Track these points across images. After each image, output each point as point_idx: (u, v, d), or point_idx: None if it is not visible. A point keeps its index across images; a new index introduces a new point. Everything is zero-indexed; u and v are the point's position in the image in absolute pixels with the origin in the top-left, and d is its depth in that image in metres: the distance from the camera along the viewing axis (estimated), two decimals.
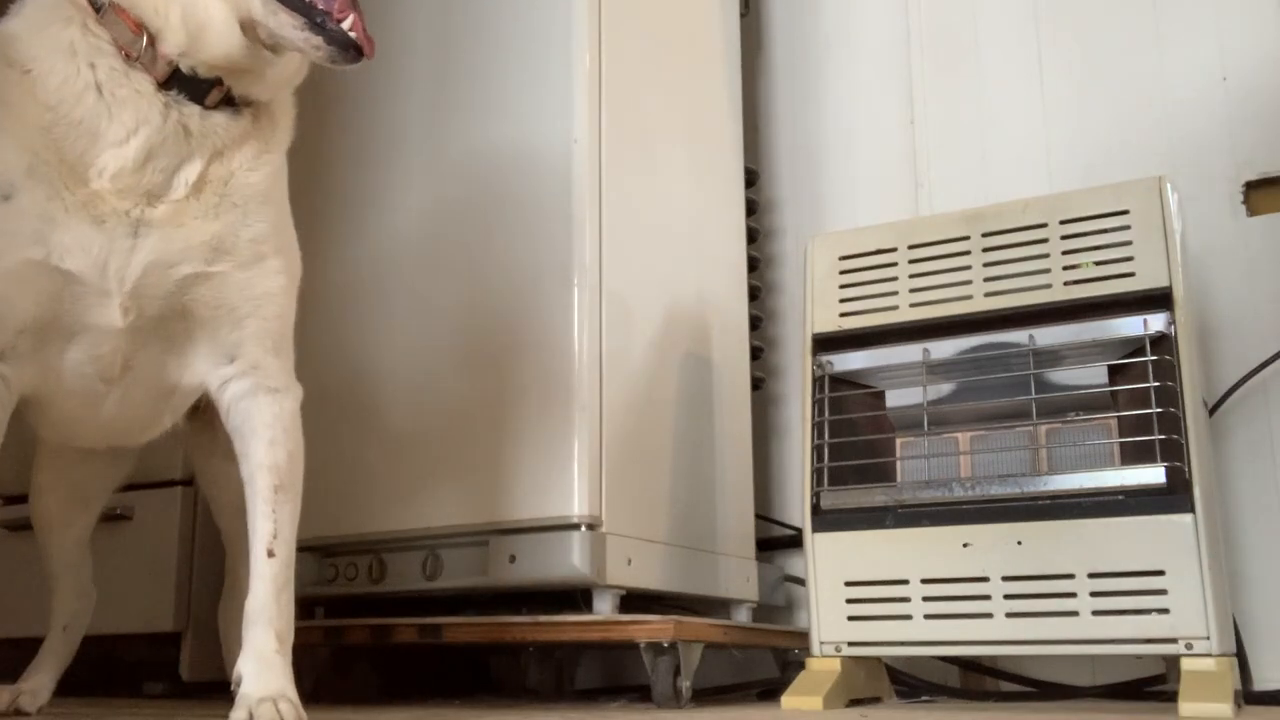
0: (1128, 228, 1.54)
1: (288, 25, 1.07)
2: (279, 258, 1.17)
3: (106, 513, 1.76)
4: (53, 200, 1.06)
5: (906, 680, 1.90)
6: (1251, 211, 1.93)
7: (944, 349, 1.63)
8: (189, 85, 1.09)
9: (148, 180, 1.08)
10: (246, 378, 1.17)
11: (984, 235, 1.63)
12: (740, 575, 1.95)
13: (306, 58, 1.13)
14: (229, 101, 1.12)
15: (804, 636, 1.68)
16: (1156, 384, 1.47)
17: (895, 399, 1.69)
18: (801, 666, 1.63)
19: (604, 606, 1.61)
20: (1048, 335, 1.57)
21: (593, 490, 1.61)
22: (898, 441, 1.69)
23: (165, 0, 1.07)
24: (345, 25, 1.07)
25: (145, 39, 1.08)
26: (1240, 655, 1.63)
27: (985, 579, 1.51)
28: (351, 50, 1.07)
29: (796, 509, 2.13)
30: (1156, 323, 1.50)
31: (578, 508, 1.60)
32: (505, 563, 1.63)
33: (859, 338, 1.69)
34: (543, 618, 1.61)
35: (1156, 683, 1.77)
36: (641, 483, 1.73)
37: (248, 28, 1.09)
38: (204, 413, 1.34)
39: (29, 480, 1.46)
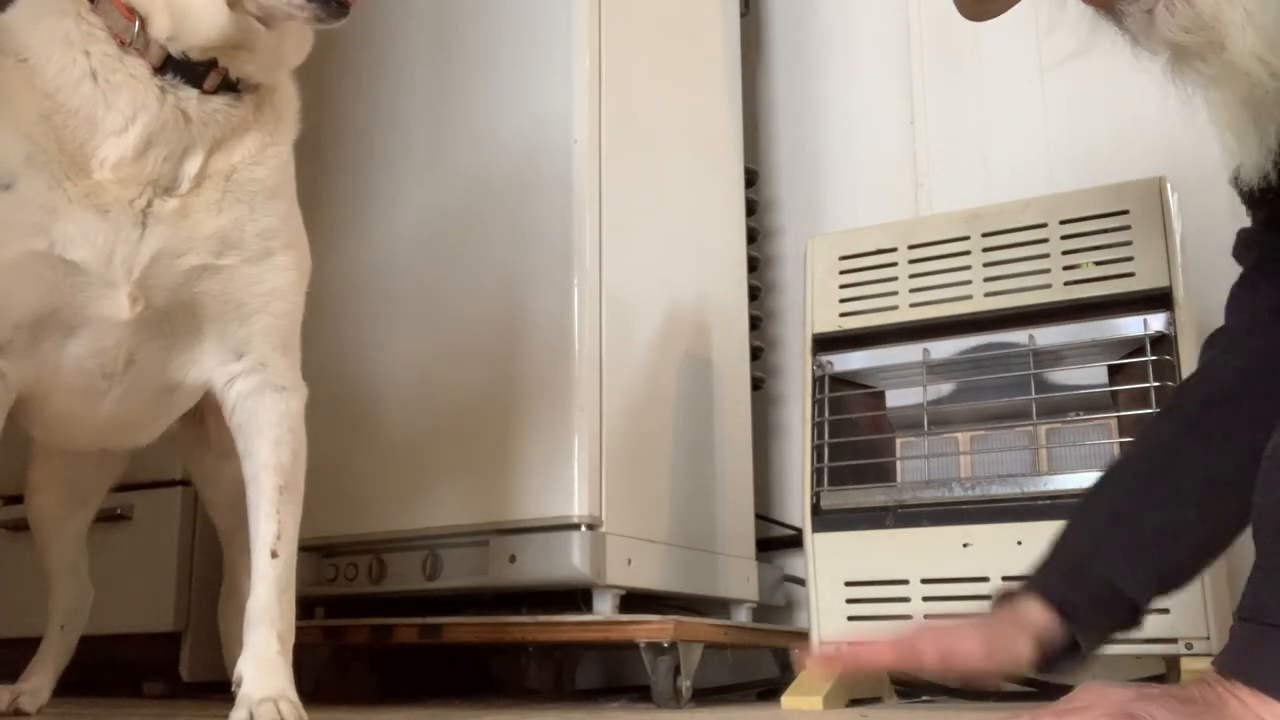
0: (1128, 228, 1.54)
1: None
2: (288, 254, 1.16)
3: (106, 513, 1.77)
4: (54, 190, 1.05)
5: (906, 680, 1.90)
6: None
7: (944, 349, 1.63)
8: (184, 69, 1.07)
9: (150, 170, 1.07)
10: (254, 375, 1.16)
11: (984, 235, 1.63)
12: (740, 575, 1.95)
13: (294, 20, 1.09)
14: (230, 87, 1.10)
15: (804, 636, 1.68)
16: (1156, 384, 1.47)
17: (895, 399, 1.69)
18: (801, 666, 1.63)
19: (604, 606, 1.61)
20: (1048, 335, 1.57)
21: (593, 490, 1.61)
22: (898, 441, 1.69)
23: None
24: None
25: (138, 24, 1.06)
26: None
27: (985, 579, 1.51)
28: (334, 4, 1.04)
29: (796, 509, 2.12)
30: (1156, 323, 1.50)
31: (578, 508, 1.60)
32: (505, 563, 1.63)
33: (859, 338, 1.69)
34: (543, 618, 1.61)
35: (1157, 683, 1.77)
36: (641, 483, 1.73)
37: (235, 2, 1.06)
38: (197, 410, 1.34)
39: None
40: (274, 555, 1.13)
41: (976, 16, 1.14)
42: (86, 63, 1.06)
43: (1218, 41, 0.87)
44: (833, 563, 1.61)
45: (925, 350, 1.64)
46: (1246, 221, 1.09)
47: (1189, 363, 1.47)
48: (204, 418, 1.34)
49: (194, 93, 1.08)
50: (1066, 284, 1.56)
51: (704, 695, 1.87)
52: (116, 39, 1.07)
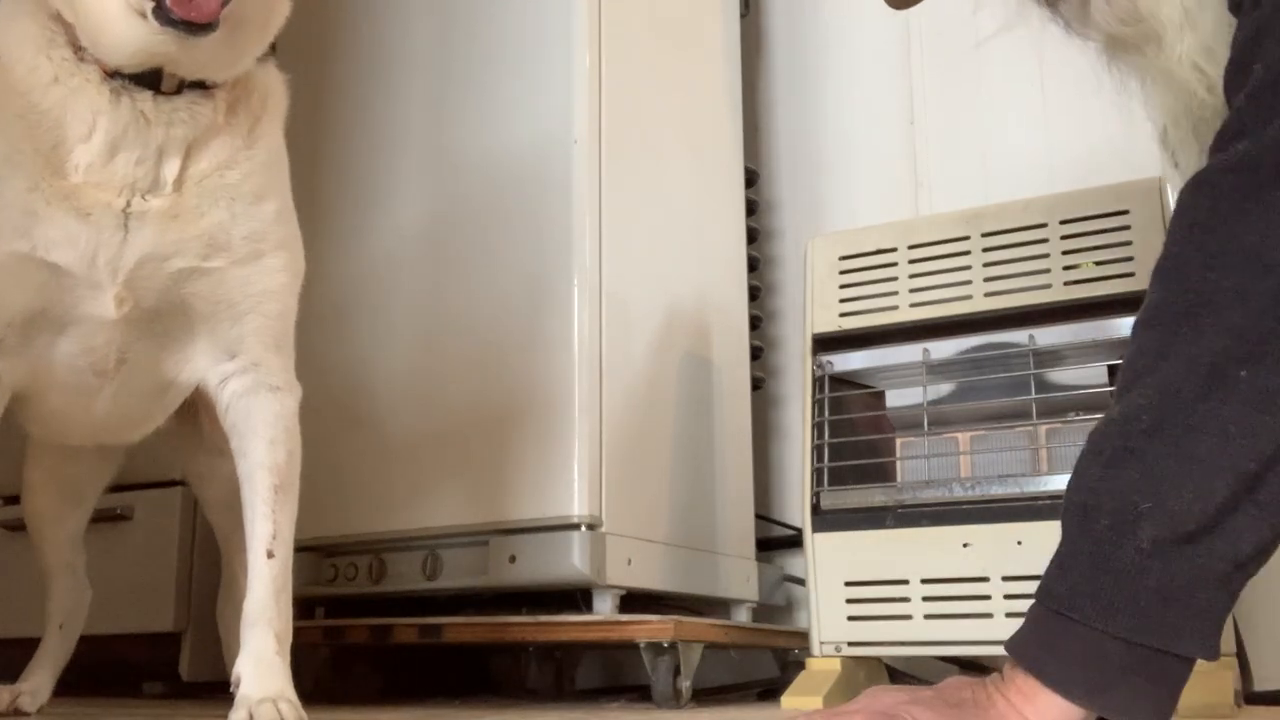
0: (1128, 228, 1.54)
1: (148, 7, 1.02)
2: (279, 255, 1.16)
3: (106, 513, 1.77)
4: (33, 192, 1.05)
5: (906, 680, 1.90)
6: None
7: (944, 349, 1.63)
8: (135, 74, 1.07)
9: (123, 174, 1.06)
10: (247, 375, 1.16)
11: (984, 235, 1.63)
12: (740, 575, 1.95)
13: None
14: (196, 84, 1.09)
15: (804, 636, 1.68)
16: None
17: (895, 399, 1.68)
18: (801, 666, 1.63)
19: (604, 606, 1.61)
20: (1048, 335, 1.57)
21: (593, 490, 1.61)
22: (898, 441, 1.69)
23: (65, 2, 1.05)
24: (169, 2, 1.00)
25: None
26: (1240, 655, 1.63)
27: (985, 579, 1.51)
28: (182, 26, 1.00)
29: (796, 509, 2.13)
30: None
31: (578, 508, 1.60)
32: (505, 563, 1.63)
33: (859, 338, 1.69)
34: (543, 618, 1.61)
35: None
36: (641, 483, 1.73)
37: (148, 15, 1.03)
38: (189, 408, 1.33)
39: None
40: (270, 555, 1.13)
41: (900, 5, 1.13)
42: (50, 67, 1.06)
43: (1154, 35, 0.86)
44: (833, 563, 1.61)
45: (925, 350, 1.64)
46: None
47: None
48: (197, 415, 1.34)
49: (148, 94, 1.07)
50: (1066, 284, 1.56)
51: (704, 695, 1.87)
52: (72, 45, 1.07)
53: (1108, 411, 0.80)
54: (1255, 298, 0.72)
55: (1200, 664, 1.40)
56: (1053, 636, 0.76)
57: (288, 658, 1.12)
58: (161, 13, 1.00)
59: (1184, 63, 0.85)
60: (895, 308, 1.66)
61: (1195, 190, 0.78)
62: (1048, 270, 1.57)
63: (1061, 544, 0.79)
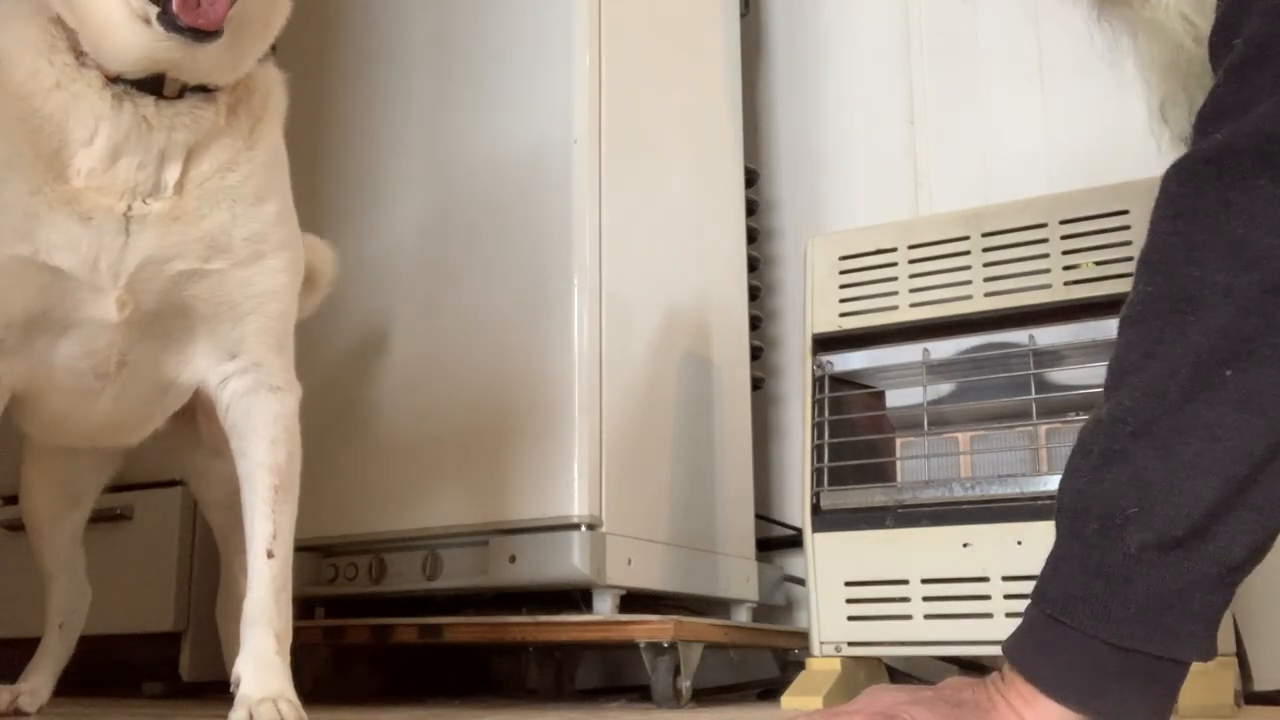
0: (1128, 228, 1.54)
1: (153, 13, 1.02)
2: (279, 256, 1.16)
3: (106, 513, 1.77)
4: (35, 195, 1.05)
5: (906, 680, 1.90)
6: None
7: (944, 349, 1.63)
8: (137, 79, 1.06)
9: (125, 178, 1.06)
10: (247, 375, 1.16)
11: (984, 235, 1.63)
12: (740, 575, 1.95)
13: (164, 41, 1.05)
14: (199, 89, 1.09)
15: (804, 636, 1.68)
16: None
17: (895, 399, 1.69)
18: (801, 666, 1.63)
19: (604, 606, 1.61)
20: (1048, 335, 1.57)
21: (593, 490, 1.61)
22: (898, 441, 1.69)
23: (66, 5, 1.05)
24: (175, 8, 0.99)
25: None
26: (1240, 655, 1.63)
27: (985, 579, 1.51)
28: (188, 33, 1.00)
29: (796, 509, 2.13)
30: None
31: (578, 508, 1.60)
32: (505, 563, 1.63)
33: (859, 338, 1.69)
34: (543, 618, 1.61)
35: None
36: (641, 483, 1.73)
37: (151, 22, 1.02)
38: (188, 408, 1.33)
39: None
40: (270, 555, 1.13)
41: None
42: (52, 72, 1.06)
43: None
44: (833, 563, 1.61)
45: (925, 350, 1.64)
46: None
47: None
48: (194, 416, 1.34)
49: (150, 99, 1.07)
50: (1066, 284, 1.56)
51: (704, 695, 1.87)
52: (74, 50, 1.06)
53: (1096, 410, 0.80)
54: (1239, 294, 0.71)
55: (1199, 664, 1.39)
56: (1047, 640, 0.76)
57: (288, 658, 1.12)
58: (167, 19, 0.99)
59: (1171, 12, 0.85)
60: (895, 308, 1.66)
61: (1177, 178, 0.77)
62: (1048, 270, 1.57)
63: (1055, 545, 0.78)
